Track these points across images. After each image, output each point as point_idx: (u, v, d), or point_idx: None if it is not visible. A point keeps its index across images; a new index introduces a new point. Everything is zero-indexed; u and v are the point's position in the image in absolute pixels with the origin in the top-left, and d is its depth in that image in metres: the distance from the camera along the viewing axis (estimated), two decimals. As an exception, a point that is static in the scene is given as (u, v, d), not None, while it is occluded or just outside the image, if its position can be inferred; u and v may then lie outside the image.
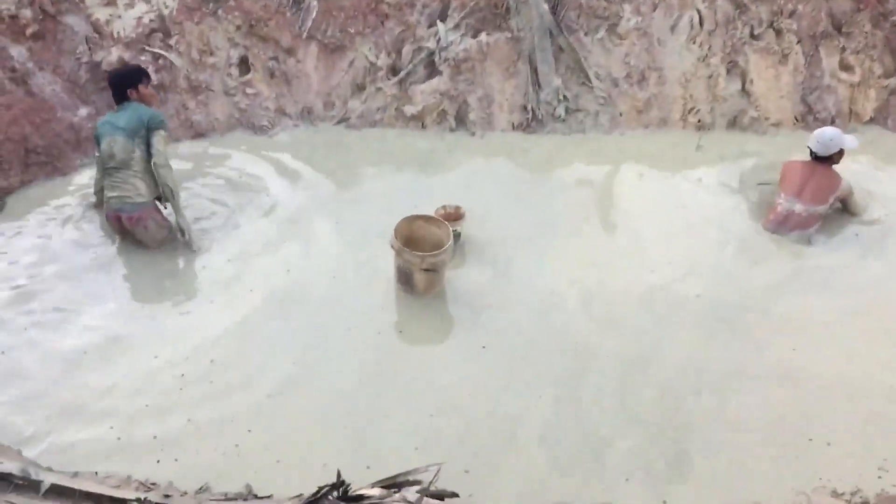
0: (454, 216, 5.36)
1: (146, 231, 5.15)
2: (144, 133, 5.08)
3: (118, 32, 6.64)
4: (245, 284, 4.92)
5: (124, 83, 5.18)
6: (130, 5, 6.77)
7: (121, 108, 5.17)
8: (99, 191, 5.40)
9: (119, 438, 3.80)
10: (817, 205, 5.51)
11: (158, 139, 5.09)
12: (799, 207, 5.53)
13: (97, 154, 5.29)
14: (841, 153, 5.63)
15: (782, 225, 5.58)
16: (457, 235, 5.18)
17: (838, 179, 5.58)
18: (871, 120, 7.21)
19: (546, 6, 6.83)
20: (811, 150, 5.66)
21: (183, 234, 5.20)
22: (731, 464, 3.75)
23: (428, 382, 4.20)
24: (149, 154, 5.09)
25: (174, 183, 5.13)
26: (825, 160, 5.61)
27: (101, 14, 6.67)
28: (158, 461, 3.70)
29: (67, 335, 4.46)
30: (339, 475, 3.05)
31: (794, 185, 5.62)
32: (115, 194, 5.08)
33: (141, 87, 5.24)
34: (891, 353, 4.51)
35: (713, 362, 4.40)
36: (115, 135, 5.05)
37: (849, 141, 5.61)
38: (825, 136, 5.57)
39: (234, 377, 4.20)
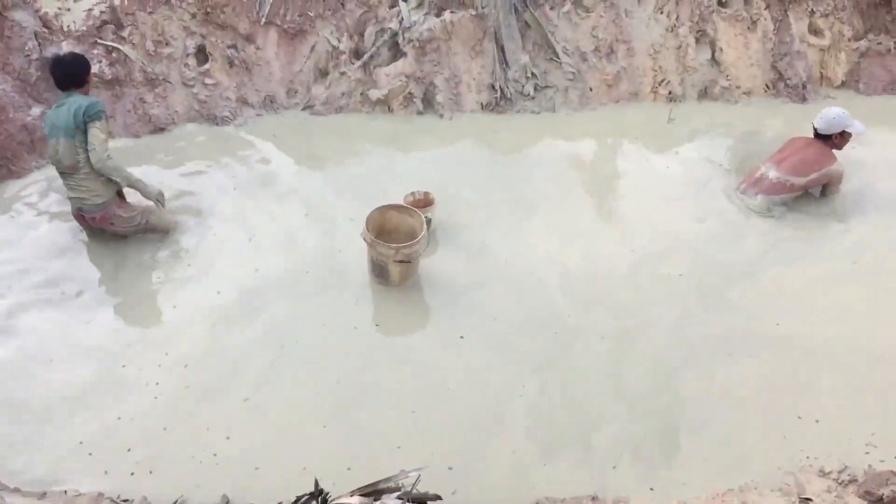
0: (424, 202, 5.23)
1: (114, 226, 4.96)
2: (84, 129, 4.71)
3: (68, 26, 6.37)
4: (213, 286, 4.74)
5: (84, 70, 4.85)
6: (80, -3, 6.51)
7: (59, 100, 4.79)
8: None
9: (91, 454, 3.65)
10: (793, 175, 5.41)
11: (94, 133, 4.68)
12: (773, 174, 5.46)
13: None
14: (844, 136, 5.47)
15: (751, 186, 5.55)
16: (428, 222, 5.05)
17: (830, 160, 5.44)
18: (843, 84, 7.19)
19: (510, -19, 6.68)
20: (814, 127, 5.52)
21: (159, 202, 5.05)
22: (719, 444, 3.71)
23: (407, 377, 4.09)
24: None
25: (123, 172, 4.83)
26: (826, 139, 5.48)
27: (49, 7, 6.39)
28: (132, 474, 3.57)
29: (29, 343, 4.28)
30: (316, 484, 2.94)
31: (780, 154, 5.57)
32: (74, 195, 4.87)
33: (89, 79, 4.93)
34: (872, 318, 4.49)
35: (699, 337, 4.36)
36: (58, 136, 4.71)
37: (857, 126, 5.43)
38: (829, 114, 5.43)
39: (209, 382, 4.06)
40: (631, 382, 4.04)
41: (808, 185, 5.45)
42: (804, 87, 6.95)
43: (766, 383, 4.04)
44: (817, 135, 5.50)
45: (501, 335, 4.37)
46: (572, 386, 4.02)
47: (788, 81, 6.99)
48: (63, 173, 4.84)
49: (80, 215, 4.96)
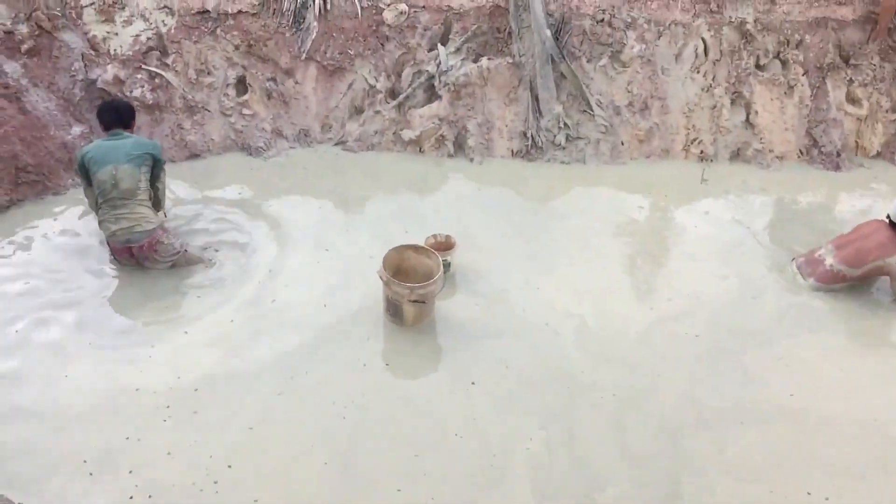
0: (445, 245, 5.25)
1: (157, 254, 5.04)
2: (151, 162, 5.05)
3: (115, 50, 6.57)
4: (228, 314, 4.79)
5: (130, 114, 5.21)
6: (128, 23, 6.70)
7: (114, 137, 5.01)
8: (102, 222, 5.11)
9: (91, 474, 3.66)
10: (847, 266, 5.10)
11: (164, 175, 5.26)
12: (829, 260, 5.17)
13: (87, 184, 5.08)
14: None
15: (806, 265, 5.33)
16: (447, 265, 5.06)
17: (891, 250, 5.01)
18: (878, 154, 7.11)
19: (548, 32, 6.74)
20: (887, 215, 5.11)
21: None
22: (726, 517, 3.61)
23: (413, 418, 4.06)
24: (152, 181, 5.14)
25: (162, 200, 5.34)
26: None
27: (98, 31, 6.60)
28: (131, 497, 3.56)
29: (46, 358, 4.34)
30: (312, 522, 2.92)
31: (843, 238, 5.25)
32: (121, 226, 4.93)
33: (133, 122, 5.26)
34: (887, 396, 4.37)
35: (711, 401, 4.26)
36: (120, 163, 4.88)
37: None
38: None
39: (216, 409, 4.06)
40: (637, 444, 3.96)
41: (862, 276, 5.13)
42: (839, 155, 6.89)
43: (776, 456, 3.94)
44: (891, 223, 5.07)
45: (511, 385, 4.32)
46: (578, 443, 3.95)
47: (823, 149, 6.94)
48: (114, 199, 4.92)
49: (125, 249, 5.02)
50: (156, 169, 5.12)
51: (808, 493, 3.73)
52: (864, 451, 3.98)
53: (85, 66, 6.43)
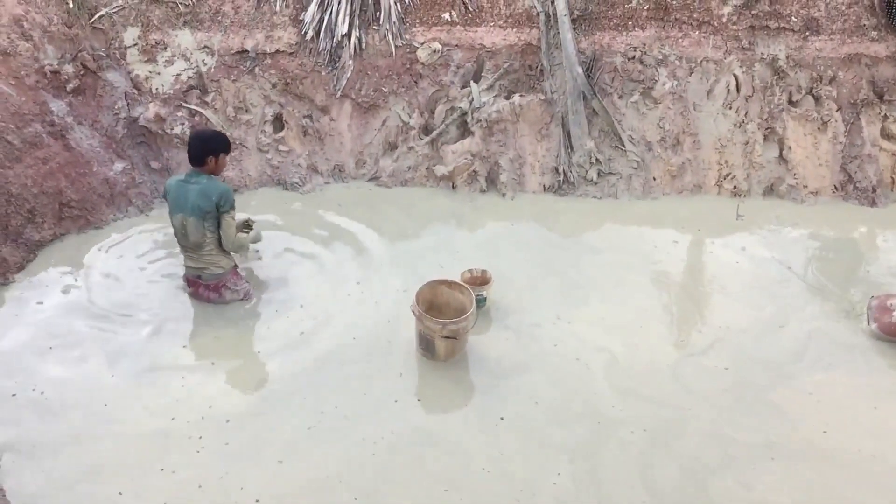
0: (480, 280, 5.28)
1: (220, 296, 5.18)
2: (215, 213, 4.89)
3: (156, 89, 6.76)
4: (258, 346, 4.88)
5: (207, 149, 4.87)
6: (170, 62, 6.90)
7: (191, 177, 4.90)
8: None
9: (126, 504, 3.73)
10: None
11: (227, 223, 4.91)
12: None
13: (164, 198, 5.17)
14: None
15: (875, 310, 5.12)
16: (482, 300, 5.10)
17: None
18: (915, 190, 7.04)
19: (580, 69, 6.81)
20: None
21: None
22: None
23: (442, 454, 4.07)
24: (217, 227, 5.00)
25: (246, 244, 5.24)
26: None
27: (140, 70, 6.81)
28: (164, 529, 3.62)
29: (84, 389, 4.44)
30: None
31: None
32: (192, 265, 5.11)
33: (222, 156, 4.96)
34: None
35: (740, 439, 4.22)
36: (186, 215, 4.87)
37: None
38: None
39: (247, 441, 4.12)
40: (665, 481, 3.93)
41: None
42: (874, 190, 6.83)
43: (807, 495, 3.88)
44: None
45: (541, 420, 4.32)
46: (606, 479, 3.93)
47: (858, 184, 6.88)
48: (185, 247, 5.07)
49: (194, 281, 5.18)
50: (221, 220, 4.92)
51: (842, 536, 3.68)
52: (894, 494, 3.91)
53: (128, 104, 6.63)
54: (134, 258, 5.72)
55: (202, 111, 6.76)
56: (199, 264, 5.08)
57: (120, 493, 3.77)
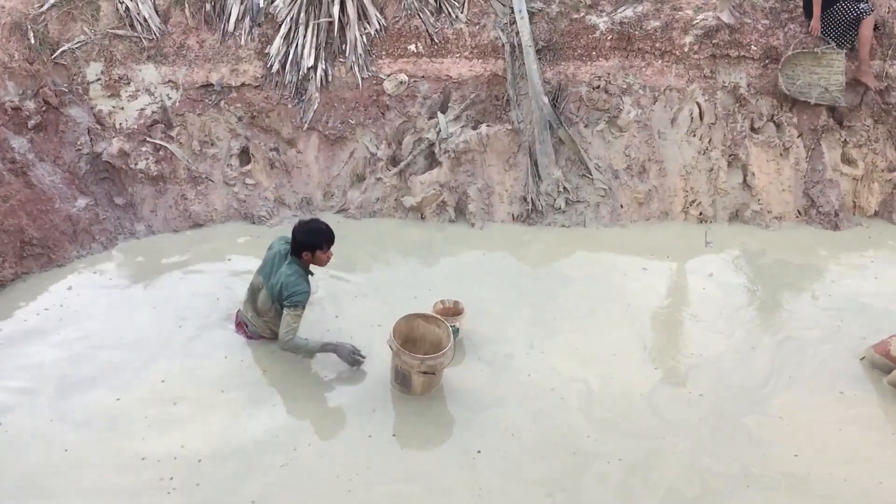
0: (453, 311, 5.26)
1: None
2: (280, 305, 4.82)
3: (120, 124, 6.69)
4: (231, 381, 4.79)
5: (304, 243, 4.76)
6: (134, 97, 6.83)
7: (285, 258, 4.85)
8: None
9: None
10: None
11: (286, 319, 4.70)
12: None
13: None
14: None
15: (878, 346, 5.08)
16: (455, 331, 5.06)
17: None
18: (876, 213, 7.16)
19: (546, 99, 6.87)
20: None
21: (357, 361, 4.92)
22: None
23: (420, 491, 4.02)
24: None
25: (304, 348, 4.80)
26: None
27: (104, 105, 6.73)
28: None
29: (44, 430, 4.32)
30: None
31: None
32: (247, 315, 5.09)
33: (318, 253, 4.80)
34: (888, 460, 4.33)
35: (717, 467, 4.23)
36: (265, 282, 4.87)
37: None
38: None
39: (219, 481, 4.03)
40: (645, 512, 3.93)
41: None
42: (836, 214, 6.95)
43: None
44: None
45: (518, 454, 4.29)
46: (586, 513, 3.92)
47: (821, 209, 6.99)
48: (251, 301, 5.04)
49: (241, 323, 5.16)
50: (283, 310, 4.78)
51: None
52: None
53: (91, 139, 6.54)
54: (99, 293, 5.61)
55: (167, 145, 6.69)
56: (255, 321, 5.05)
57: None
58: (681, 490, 4.07)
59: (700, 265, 6.31)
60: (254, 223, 6.77)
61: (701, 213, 7.01)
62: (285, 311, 4.72)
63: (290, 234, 4.83)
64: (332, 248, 4.88)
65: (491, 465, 4.21)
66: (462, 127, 7.03)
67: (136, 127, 6.70)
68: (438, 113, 7.10)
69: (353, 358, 4.85)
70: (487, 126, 7.00)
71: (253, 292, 5.01)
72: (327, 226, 4.90)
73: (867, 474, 4.21)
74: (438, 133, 6.96)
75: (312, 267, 4.95)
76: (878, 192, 7.15)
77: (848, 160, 7.17)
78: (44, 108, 6.40)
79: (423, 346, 4.76)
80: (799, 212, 7.09)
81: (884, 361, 4.96)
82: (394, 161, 7.11)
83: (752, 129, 7.11)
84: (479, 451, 4.30)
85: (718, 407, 4.69)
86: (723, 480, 4.14)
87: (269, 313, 4.94)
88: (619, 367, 5.04)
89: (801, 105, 7.02)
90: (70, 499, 3.89)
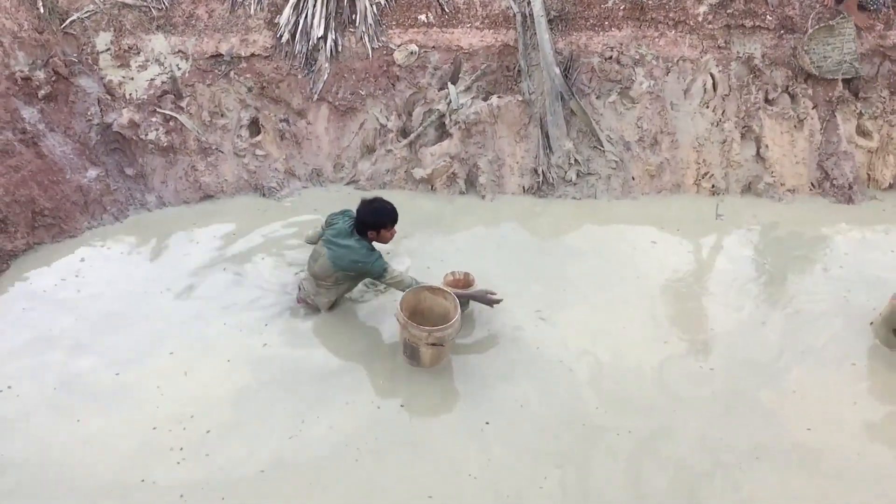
0: (464, 283, 5.25)
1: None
2: (353, 275, 4.96)
3: (130, 94, 6.67)
4: (237, 352, 4.81)
5: (368, 223, 4.85)
6: (143, 67, 6.80)
7: (348, 235, 4.89)
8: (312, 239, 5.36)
9: (107, 519, 3.67)
10: None
11: (392, 283, 4.83)
12: None
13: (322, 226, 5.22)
14: None
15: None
16: (465, 304, 5.06)
17: None
18: (890, 186, 7.08)
19: (557, 70, 6.80)
20: None
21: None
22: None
23: (428, 461, 4.05)
24: (350, 280, 5.03)
25: (405, 284, 4.84)
26: None
27: (114, 76, 6.71)
28: (146, 543, 3.56)
29: (60, 404, 4.36)
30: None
31: None
32: (303, 275, 5.24)
33: (383, 231, 4.90)
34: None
35: (727, 441, 4.24)
36: (325, 252, 4.89)
37: None
38: None
39: (228, 450, 4.08)
40: (652, 484, 3.94)
41: None
42: (850, 187, 6.88)
43: (795, 496, 3.90)
44: None
45: (527, 426, 4.31)
46: (593, 485, 3.93)
47: (835, 181, 6.93)
48: (309, 269, 5.10)
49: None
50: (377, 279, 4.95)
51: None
52: (883, 493, 3.94)
53: (101, 110, 6.53)
54: (112, 265, 5.64)
55: (177, 116, 6.67)
56: (307, 285, 5.13)
57: (100, 508, 3.72)
58: (691, 465, 4.08)
59: (711, 238, 6.27)
60: (264, 195, 6.77)
61: (713, 186, 6.95)
62: (384, 281, 4.84)
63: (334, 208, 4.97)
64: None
65: (499, 437, 4.23)
66: (473, 98, 6.98)
67: (146, 97, 6.68)
68: (449, 84, 7.04)
69: (489, 298, 4.98)
70: (498, 97, 6.94)
71: (314, 258, 5.02)
72: (391, 204, 4.95)
73: (881, 448, 4.22)
74: (449, 104, 6.91)
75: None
76: (893, 164, 7.06)
77: (863, 132, 7.08)
78: (54, 79, 6.38)
79: (431, 319, 4.76)
80: (812, 184, 7.02)
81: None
82: (404, 132, 7.07)
83: (767, 101, 7.02)
84: (487, 423, 4.31)
85: (730, 381, 4.69)
86: (734, 455, 4.15)
87: (328, 280, 4.96)
88: (628, 340, 5.04)
89: (817, 76, 6.92)
90: (78, 469, 3.93)
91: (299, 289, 5.22)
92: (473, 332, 5.07)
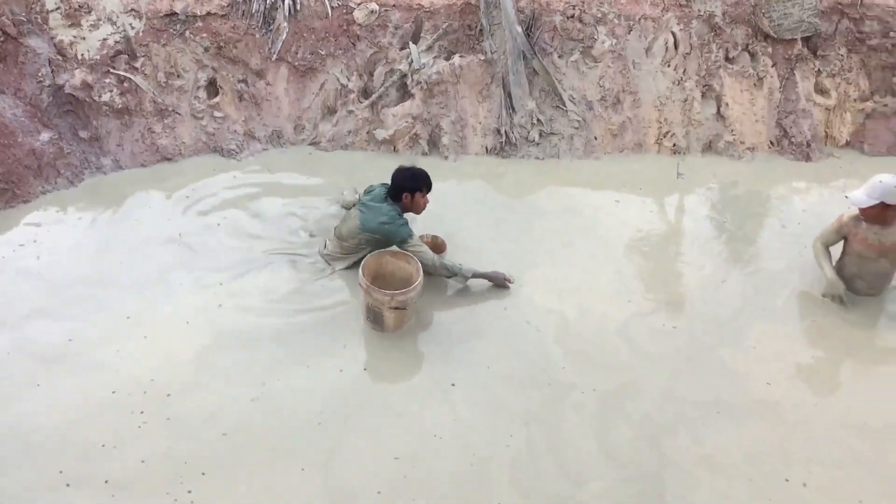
0: (431, 246, 5.24)
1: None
2: (382, 240, 4.96)
3: (82, 55, 6.47)
4: (197, 316, 4.76)
5: (405, 187, 4.97)
6: (95, 27, 6.60)
7: (381, 200, 5.01)
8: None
9: (68, 485, 3.63)
10: None
11: (416, 252, 4.86)
12: None
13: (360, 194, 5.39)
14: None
15: None
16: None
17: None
18: (847, 144, 7.19)
19: (519, 28, 6.74)
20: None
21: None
22: (705, 509, 3.65)
23: (393, 423, 4.06)
24: (373, 245, 5.01)
25: (458, 272, 5.01)
26: None
27: (64, 36, 6.50)
28: (109, 508, 3.54)
29: (13, 363, 4.31)
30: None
31: None
32: (330, 248, 5.25)
33: (417, 195, 5.01)
34: (865, 388, 4.45)
35: (690, 397, 4.33)
36: (357, 214, 5.02)
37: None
38: None
39: (190, 414, 4.05)
40: (619, 441, 4.01)
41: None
42: (808, 145, 6.96)
43: (756, 446, 4.01)
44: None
45: (493, 385, 4.34)
46: (560, 442, 3.98)
47: (793, 139, 7.00)
48: (335, 231, 5.23)
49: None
50: (401, 246, 4.95)
51: (787, 480, 3.81)
52: (837, 443, 4.06)
53: (52, 71, 6.34)
54: (68, 229, 5.54)
55: (131, 77, 6.50)
56: (331, 243, 5.22)
57: (60, 472, 3.68)
58: (655, 419, 4.16)
59: (673, 197, 6.32)
60: (224, 157, 6.64)
61: (674, 145, 6.99)
62: (406, 248, 4.88)
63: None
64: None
65: (466, 397, 4.25)
66: (434, 58, 6.91)
67: (98, 58, 6.49)
68: (410, 43, 6.95)
69: (505, 283, 5.11)
70: (460, 57, 6.87)
71: (344, 220, 5.16)
72: (426, 171, 5.10)
73: (836, 399, 4.37)
74: (410, 64, 6.83)
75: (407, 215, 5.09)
76: (850, 122, 7.16)
77: (821, 90, 7.16)
78: (2, 39, 6.16)
79: (394, 283, 4.75)
80: (772, 142, 7.09)
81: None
82: (365, 93, 6.98)
83: (727, 59, 7.06)
84: (452, 385, 4.34)
85: (692, 338, 4.78)
86: (696, 408, 4.24)
87: (352, 241, 5.05)
88: (594, 299, 5.08)
89: (776, 37, 6.96)
90: (43, 433, 3.89)
91: (324, 245, 5.31)
92: (439, 294, 5.07)
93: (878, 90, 7.25)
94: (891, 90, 7.22)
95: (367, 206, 5.01)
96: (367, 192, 5.23)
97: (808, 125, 7.03)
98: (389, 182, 5.05)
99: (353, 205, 5.34)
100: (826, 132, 7.21)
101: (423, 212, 5.15)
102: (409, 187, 4.97)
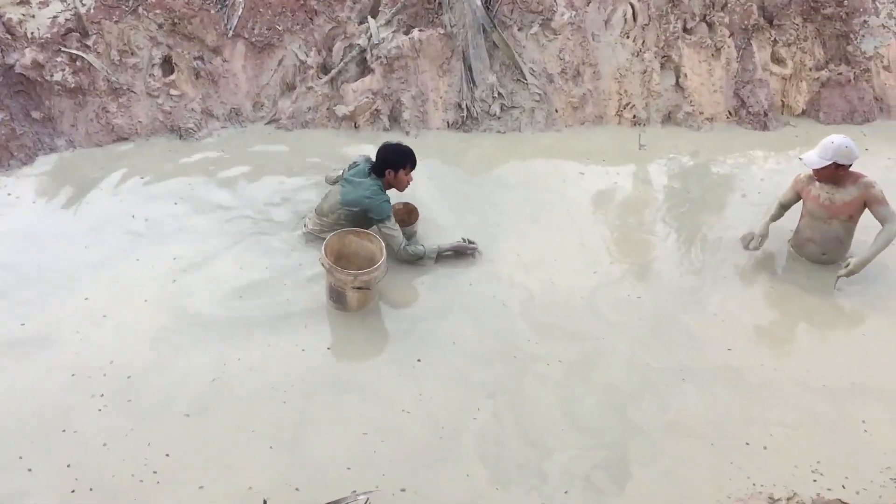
0: (403, 212, 5.32)
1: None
2: (361, 216, 4.97)
3: (32, 33, 6.30)
4: (155, 295, 4.70)
5: (389, 162, 5.02)
6: (45, 4, 6.43)
7: (365, 175, 5.04)
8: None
9: (30, 470, 3.57)
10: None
11: (386, 234, 4.89)
12: None
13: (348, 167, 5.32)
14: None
15: None
16: (413, 235, 5.25)
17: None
18: (803, 113, 7.28)
19: (478, 1, 6.71)
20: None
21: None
22: (669, 474, 3.73)
23: (359, 399, 4.06)
24: (350, 221, 5.00)
25: (420, 253, 5.02)
26: None
27: (13, 13, 6.32)
28: (73, 492, 3.49)
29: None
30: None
31: None
32: (312, 227, 5.22)
33: (401, 173, 5.05)
34: (823, 352, 4.55)
35: (655, 364, 4.40)
36: (339, 189, 5.06)
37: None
38: None
39: (151, 395, 4.01)
40: (585, 411, 4.06)
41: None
42: (765, 114, 7.04)
43: (718, 411, 4.09)
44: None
45: (459, 360, 4.35)
46: (527, 412, 4.02)
47: (750, 109, 7.08)
48: (319, 209, 5.20)
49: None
50: (378, 227, 4.97)
51: (747, 444, 3.88)
52: (797, 406, 4.16)
53: (1, 51, 6.17)
54: (21, 212, 5.42)
55: (84, 55, 6.35)
56: (313, 219, 5.19)
57: (20, 458, 3.62)
58: (619, 386, 4.22)
59: (635, 168, 6.37)
60: (181, 137, 6.51)
61: (635, 117, 7.02)
62: (380, 227, 4.93)
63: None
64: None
65: (431, 372, 4.27)
66: (394, 32, 6.84)
67: (49, 36, 6.32)
68: (369, 17, 6.89)
69: (469, 250, 5.17)
70: (420, 31, 6.82)
71: (326, 196, 5.17)
72: (411, 149, 5.15)
73: (795, 361, 4.48)
74: (370, 39, 6.77)
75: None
76: (806, 91, 7.25)
77: (777, 59, 7.23)
78: (-54, 18, 6.00)
79: (357, 262, 4.73)
80: (730, 112, 7.16)
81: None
82: (324, 69, 6.90)
83: (685, 30, 7.09)
84: (418, 360, 4.34)
85: (656, 307, 4.84)
86: (661, 375, 4.31)
87: (332, 216, 5.04)
88: (559, 271, 5.12)
89: (733, 4, 7.00)
90: (0, 419, 3.82)
91: (304, 224, 5.29)
92: (404, 271, 5.04)
93: (833, 59, 7.35)
94: (845, 59, 7.32)
95: (350, 181, 5.02)
96: (352, 167, 5.22)
97: (765, 95, 7.11)
98: (374, 157, 5.07)
99: (336, 181, 5.34)
100: (783, 101, 7.30)
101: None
102: (392, 162, 5.00)
